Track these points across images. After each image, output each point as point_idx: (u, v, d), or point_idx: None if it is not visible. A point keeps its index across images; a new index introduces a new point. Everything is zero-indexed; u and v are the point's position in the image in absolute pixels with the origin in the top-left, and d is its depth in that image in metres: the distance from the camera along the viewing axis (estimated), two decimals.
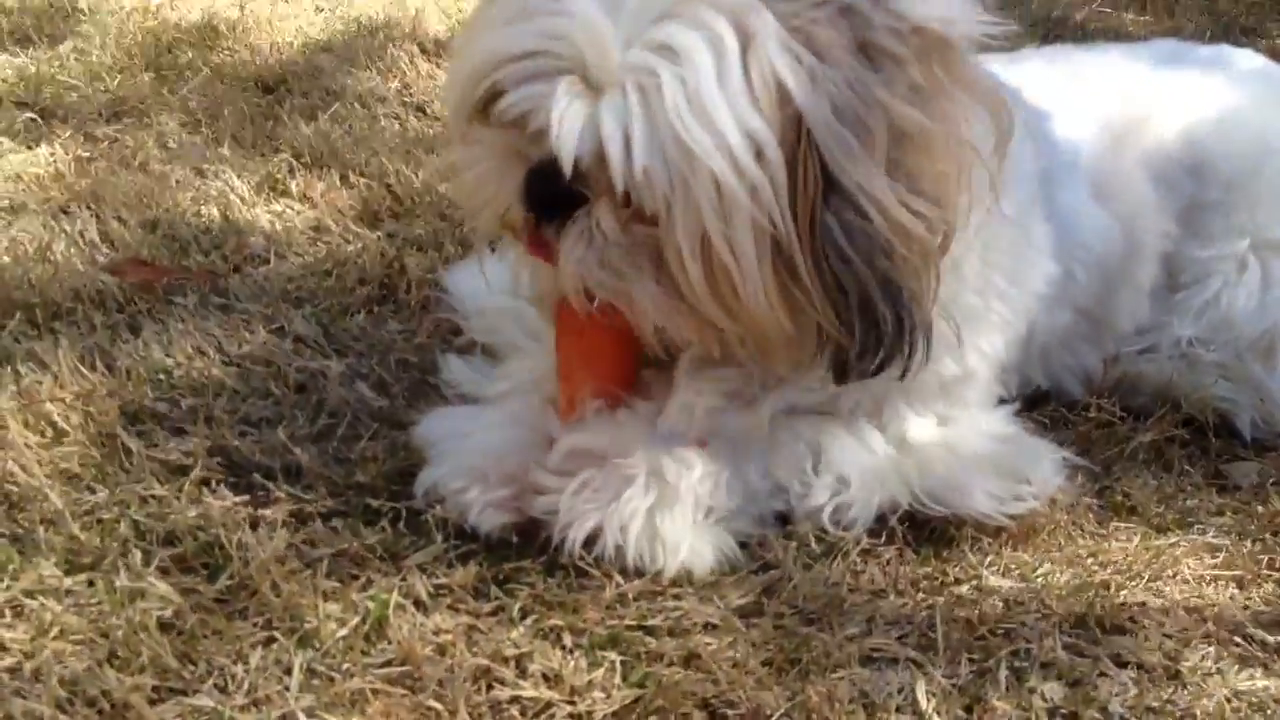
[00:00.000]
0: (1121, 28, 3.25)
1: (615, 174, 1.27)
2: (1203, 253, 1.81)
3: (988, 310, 1.56)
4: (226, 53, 2.89)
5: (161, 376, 1.73)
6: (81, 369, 1.69)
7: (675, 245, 1.30)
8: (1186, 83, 1.88)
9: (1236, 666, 1.34)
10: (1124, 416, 1.76)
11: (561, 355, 1.52)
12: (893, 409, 1.55)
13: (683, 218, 1.28)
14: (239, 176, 2.28)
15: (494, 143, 1.39)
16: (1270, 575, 1.49)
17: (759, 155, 1.26)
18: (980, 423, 1.60)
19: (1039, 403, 1.79)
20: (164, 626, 1.29)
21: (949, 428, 1.58)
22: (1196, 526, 1.58)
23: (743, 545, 1.47)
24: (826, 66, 1.27)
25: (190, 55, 2.85)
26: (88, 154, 2.38)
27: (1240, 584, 1.48)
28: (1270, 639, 1.39)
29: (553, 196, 1.35)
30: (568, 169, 1.30)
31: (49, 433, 1.58)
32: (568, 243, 1.35)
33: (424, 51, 2.87)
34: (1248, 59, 2.00)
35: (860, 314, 1.32)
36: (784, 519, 1.52)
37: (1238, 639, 1.39)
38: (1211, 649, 1.37)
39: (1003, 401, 1.67)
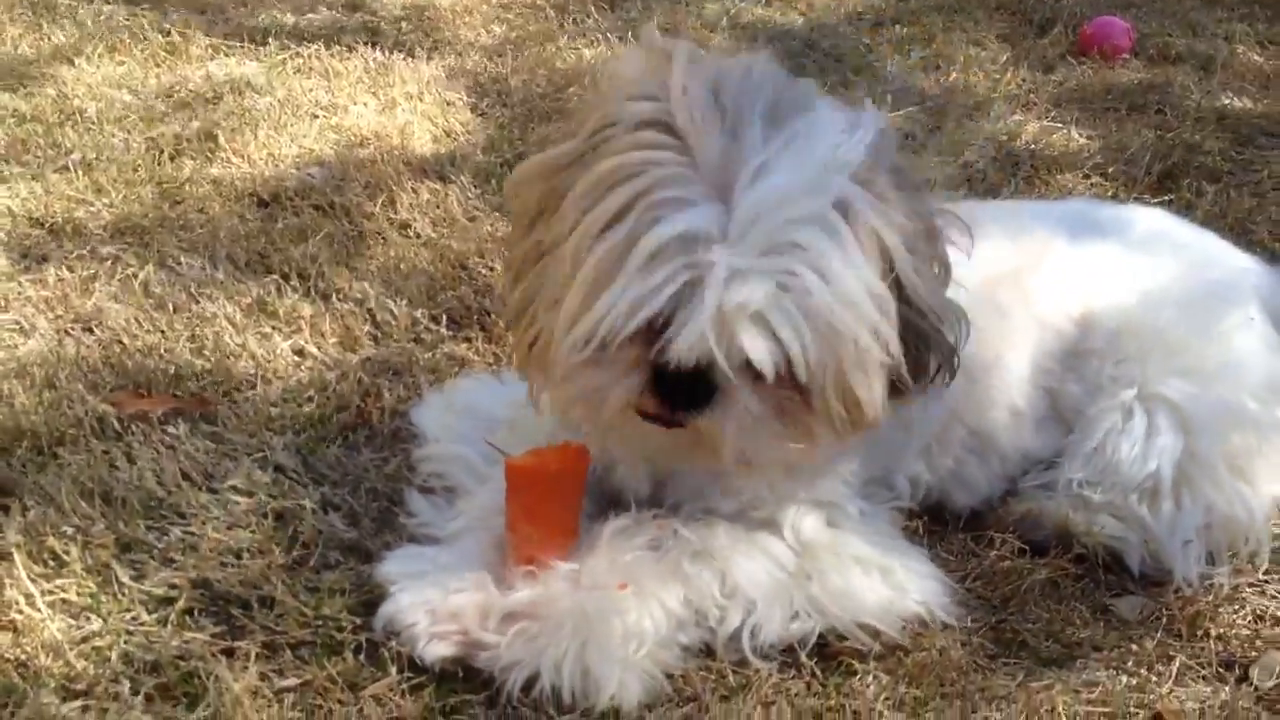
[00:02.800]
0: (1069, 144, 3.44)
1: (795, 364, 1.49)
2: (1088, 399, 1.97)
3: None
4: (225, 164, 3.09)
5: (153, 504, 1.91)
6: (82, 501, 1.87)
7: (824, 399, 1.54)
8: (1084, 238, 2.06)
9: None
10: (1025, 550, 1.94)
11: (510, 510, 1.71)
12: (789, 496, 1.75)
13: (832, 380, 1.52)
14: (231, 300, 2.47)
15: (615, 360, 1.53)
16: (1137, 712, 1.67)
17: (882, 311, 1.51)
18: (865, 527, 1.82)
19: (947, 535, 1.97)
20: None
21: (838, 530, 1.79)
22: (1079, 661, 1.76)
23: (669, 677, 1.65)
24: (891, 208, 1.54)
25: (190, 168, 3.05)
26: (91, 273, 2.57)
27: None
28: None
29: (690, 391, 1.53)
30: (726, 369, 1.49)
31: (51, 563, 1.77)
32: (727, 427, 1.53)
33: (409, 166, 3.06)
34: (1150, 219, 2.18)
35: (929, 363, 1.63)
36: (709, 649, 1.70)
37: None
38: None
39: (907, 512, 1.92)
